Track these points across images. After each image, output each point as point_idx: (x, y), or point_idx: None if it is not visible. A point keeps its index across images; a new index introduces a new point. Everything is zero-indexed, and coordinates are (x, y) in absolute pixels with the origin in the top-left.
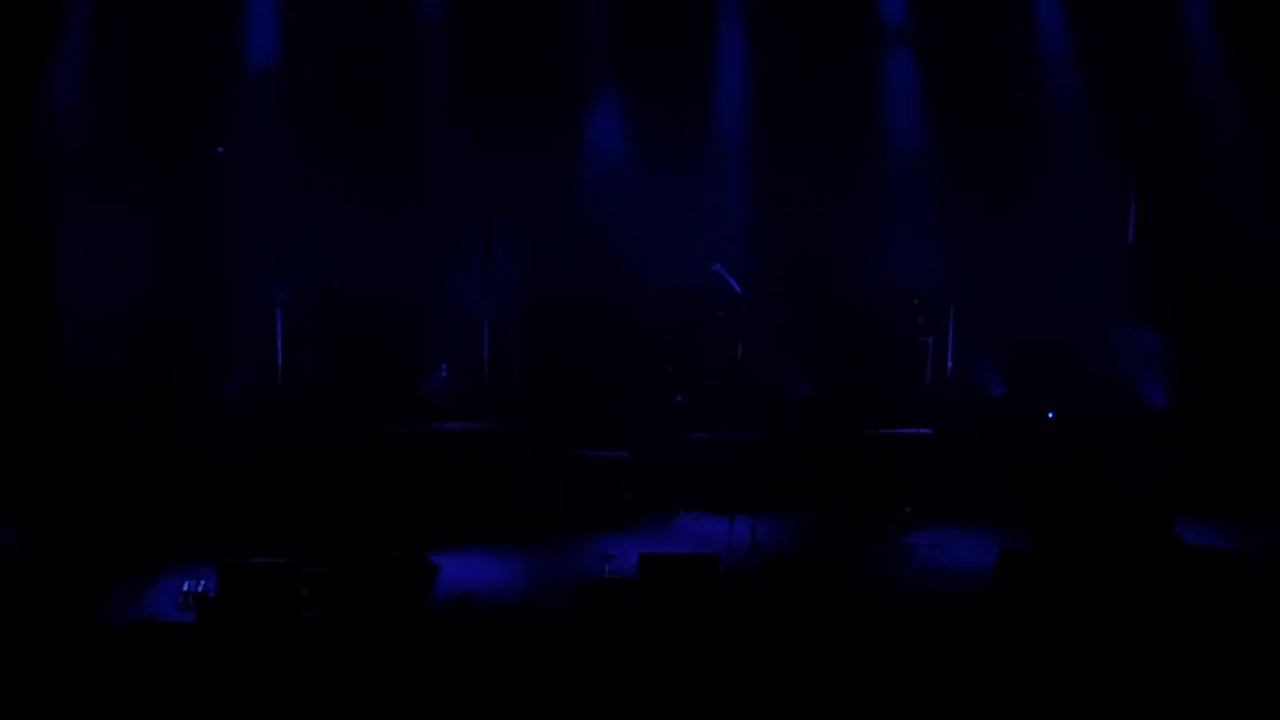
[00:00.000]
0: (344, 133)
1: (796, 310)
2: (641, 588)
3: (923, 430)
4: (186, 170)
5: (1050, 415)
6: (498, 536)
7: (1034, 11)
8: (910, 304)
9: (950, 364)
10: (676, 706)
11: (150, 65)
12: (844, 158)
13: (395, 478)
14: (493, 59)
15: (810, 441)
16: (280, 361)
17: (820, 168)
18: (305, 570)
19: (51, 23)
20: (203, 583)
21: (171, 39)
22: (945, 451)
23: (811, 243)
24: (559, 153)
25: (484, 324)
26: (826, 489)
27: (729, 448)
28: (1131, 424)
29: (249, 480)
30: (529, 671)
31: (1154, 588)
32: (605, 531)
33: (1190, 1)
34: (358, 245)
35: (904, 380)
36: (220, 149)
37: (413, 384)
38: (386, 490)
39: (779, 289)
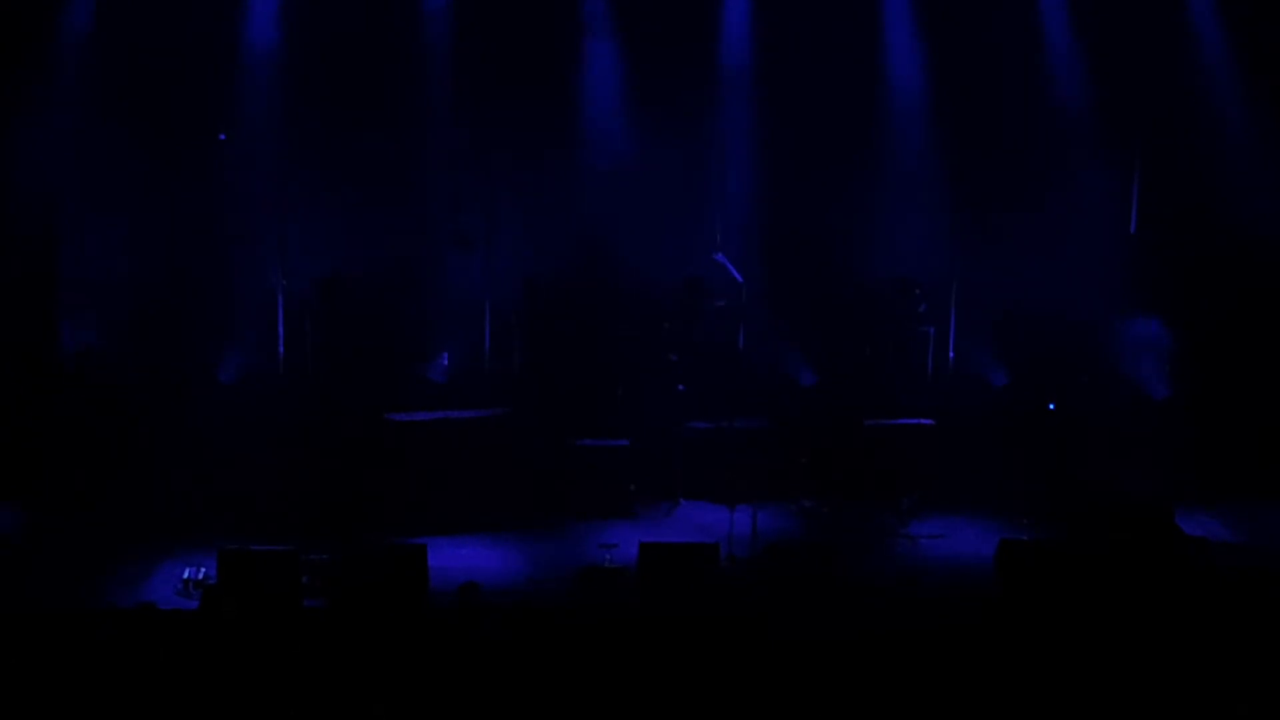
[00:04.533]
0: (344, 118)
1: (798, 299)
2: (642, 577)
3: (924, 420)
4: (188, 157)
5: (1051, 406)
6: (498, 524)
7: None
8: (912, 293)
9: (952, 354)
10: (677, 695)
11: (151, 51)
12: (846, 146)
13: (396, 465)
14: (492, 41)
15: (811, 431)
16: (282, 348)
17: (822, 156)
18: (307, 558)
19: (54, 8)
20: (204, 569)
21: (173, 24)
22: (946, 442)
23: (813, 232)
24: (560, 139)
25: (485, 311)
26: (828, 479)
27: (730, 437)
28: (1133, 414)
29: (250, 467)
30: (529, 660)
31: (1154, 578)
32: (606, 520)
33: None
34: (359, 232)
35: (905, 370)
36: (222, 136)
37: (414, 371)
38: (387, 477)
39: (781, 278)
